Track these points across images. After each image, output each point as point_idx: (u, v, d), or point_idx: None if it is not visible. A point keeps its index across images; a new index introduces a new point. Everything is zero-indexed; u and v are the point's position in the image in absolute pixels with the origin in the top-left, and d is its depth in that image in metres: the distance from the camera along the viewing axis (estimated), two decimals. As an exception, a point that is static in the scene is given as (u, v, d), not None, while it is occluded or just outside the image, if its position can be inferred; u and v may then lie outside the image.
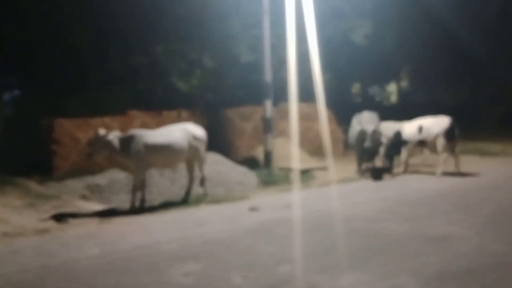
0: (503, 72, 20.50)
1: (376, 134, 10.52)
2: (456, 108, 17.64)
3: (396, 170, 11.08)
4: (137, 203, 7.87)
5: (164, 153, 7.98)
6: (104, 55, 11.80)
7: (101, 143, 7.64)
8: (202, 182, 8.68)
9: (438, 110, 11.49)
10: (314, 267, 4.81)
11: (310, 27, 12.18)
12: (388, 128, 10.90)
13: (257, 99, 12.16)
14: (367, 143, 10.37)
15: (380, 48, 18.28)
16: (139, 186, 7.93)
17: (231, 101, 13.71)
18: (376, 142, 10.56)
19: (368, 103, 18.80)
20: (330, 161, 12.37)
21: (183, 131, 8.27)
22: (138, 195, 7.94)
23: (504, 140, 16.41)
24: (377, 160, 11.07)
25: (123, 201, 8.34)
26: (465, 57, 20.10)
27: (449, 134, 10.19)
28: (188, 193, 8.58)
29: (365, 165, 10.95)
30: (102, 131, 7.73)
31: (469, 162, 11.59)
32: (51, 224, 6.98)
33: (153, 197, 8.56)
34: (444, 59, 20.31)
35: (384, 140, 10.67)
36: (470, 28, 17.59)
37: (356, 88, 24.52)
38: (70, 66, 11.84)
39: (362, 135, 10.53)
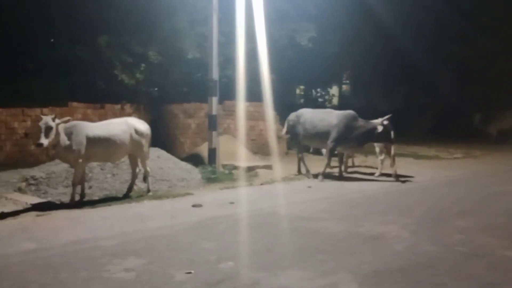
0: (436, 82, 21.65)
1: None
2: (392, 114, 18.37)
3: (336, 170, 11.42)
4: (76, 197, 7.64)
5: (105, 146, 7.76)
6: (46, 42, 11.30)
7: (52, 131, 7.06)
8: (145, 177, 8.57)
9: (376, 115, 11.97)
10: (256, 264, 4.87)
11: (257, 27, 12.31)
12: None
13: (201, 96, 12.12)
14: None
15: (323, 52, 18.77)
16: (80, 179, 7.71)
17: (175, 97, 13.60)
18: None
19: (311, 105, 19.27)
20: (273, 160, 12.57)
21: (125, 125, 8.10)
22: (78, 189, 7.71)
23: (437, 144, 17.36)
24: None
25: (61, 194, 8.08)
26: (402, 66, 21.05)
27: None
28: (130, 188, 8.43)
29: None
30: (49, 118, 7.07)
31: (404, 165, 12.16)
32: (-17, 217, 6.62)
33: (94, 191, 8.35)
34: (382, 67, 21.18)
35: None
36: (410, 39, 18.41)
37: (300, 89, 25.04)
38: (7, 52, 11.27)
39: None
